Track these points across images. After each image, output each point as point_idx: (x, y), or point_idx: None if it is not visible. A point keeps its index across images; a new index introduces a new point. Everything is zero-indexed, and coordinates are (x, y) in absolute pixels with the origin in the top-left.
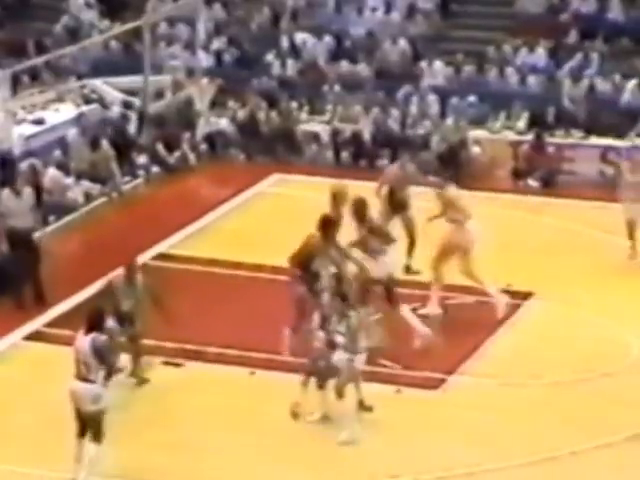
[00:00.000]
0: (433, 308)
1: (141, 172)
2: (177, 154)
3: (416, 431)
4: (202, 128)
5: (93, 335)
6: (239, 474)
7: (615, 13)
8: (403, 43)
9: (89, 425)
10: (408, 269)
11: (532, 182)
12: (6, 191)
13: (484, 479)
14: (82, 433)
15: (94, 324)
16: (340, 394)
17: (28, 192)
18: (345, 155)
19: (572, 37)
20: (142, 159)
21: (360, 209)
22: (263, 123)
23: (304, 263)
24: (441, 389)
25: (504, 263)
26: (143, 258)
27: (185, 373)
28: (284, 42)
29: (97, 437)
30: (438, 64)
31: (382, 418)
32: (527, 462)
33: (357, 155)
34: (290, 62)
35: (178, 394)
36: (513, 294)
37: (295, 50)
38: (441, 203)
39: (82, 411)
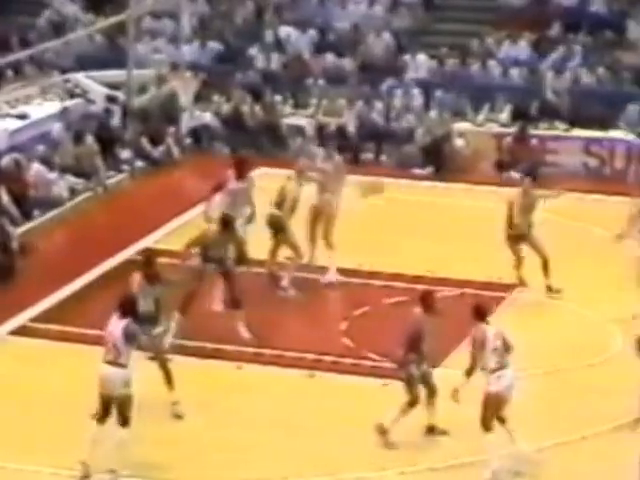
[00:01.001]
0: (331, 276)
1: (125, 166)
2: (161, 148)
3: (403, 423)
4: (186, 122)
5: (127, 320)
6: (238, 469)
7: (598, 5)
8: (387, 36)
9: (118, 409)
10: (549, 289)
11: (515, 174)
12: None
13: (473, 470)
14: (103, 419)
15: (128, 309)
16: (488, 426)
17: None
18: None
19: (555, 30)
20: (126, 153)
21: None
22: (248, 117)
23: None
24: None
25: (488, 255)
26: (128, 253)
27: (175, 368)
28: (268, 36)
29: (125, 421)
30: (422, 57)
31: (369, 411)
32: None
33: (342, 148)
34: (274, 56)
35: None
36: (497, 286)
37: (279, 44)
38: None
39: (112, 396)
